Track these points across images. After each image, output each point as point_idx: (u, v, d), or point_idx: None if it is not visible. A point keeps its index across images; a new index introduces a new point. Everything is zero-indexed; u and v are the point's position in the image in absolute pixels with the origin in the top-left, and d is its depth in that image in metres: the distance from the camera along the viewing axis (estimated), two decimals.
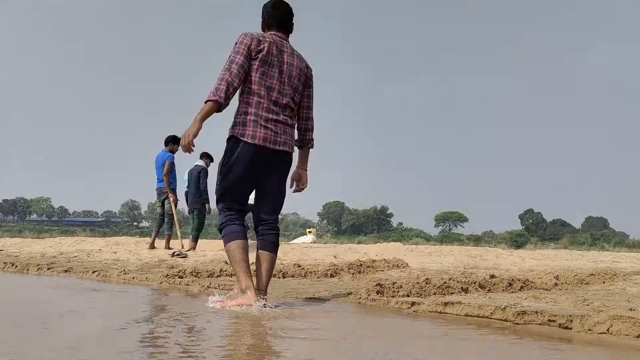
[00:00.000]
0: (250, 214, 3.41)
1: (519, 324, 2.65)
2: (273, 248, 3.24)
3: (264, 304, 3.00)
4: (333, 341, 2.24)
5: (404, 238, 45.82)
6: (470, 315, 2.85)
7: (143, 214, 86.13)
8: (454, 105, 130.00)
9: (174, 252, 7.12)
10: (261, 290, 3.19)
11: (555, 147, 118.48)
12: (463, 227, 73.25)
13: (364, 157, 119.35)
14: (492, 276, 4.20)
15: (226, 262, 5.49)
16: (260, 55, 3.01)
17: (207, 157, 8.99)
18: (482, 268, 6.27)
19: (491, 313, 2.77)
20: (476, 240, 52.58)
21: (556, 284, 4.35)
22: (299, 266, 5.35)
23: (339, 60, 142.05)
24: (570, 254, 9.32)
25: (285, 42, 3.20)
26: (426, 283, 3.66)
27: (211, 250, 7.91)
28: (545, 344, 2.31)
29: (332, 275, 5.02)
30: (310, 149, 3.38)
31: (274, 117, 3.04)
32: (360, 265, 5.57)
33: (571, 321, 2.52)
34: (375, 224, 74.92)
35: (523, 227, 69.39)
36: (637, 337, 2.27)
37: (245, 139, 2.99)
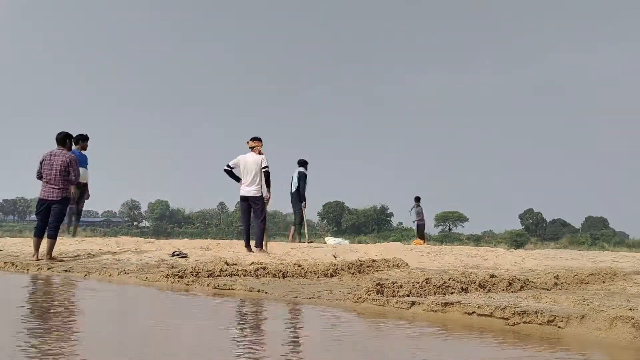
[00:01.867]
0: None
1: (518, 323, 2.65)
2: None
3: None
4: None
5: (404, 238, 45.73)
6: (469, 314, 2.85)
7: (143, 213, 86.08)
8: (454, 105, 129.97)
9: (174, 252, 7.12)
10: None
11: (556, 147, 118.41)
12: (463, 227, 73.07)
13: (364, 157, 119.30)
14: (492, 276, 4.20)
15: (226, 262, 5.49)
16: None
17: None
18: (482, 268, 6.27)
19: (491, 313, 2.78)
20: (476, 240, 52.51)
21: (556, 284, 4.35)
22: (299, 266, 5.35)
23: (337, 59, 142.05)
24: (570, 253, 9.31)
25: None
26: (426, 283, 3.66)
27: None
28: (546, 344, 2.31)
29: (332, 275, 5.02)
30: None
31: None
32: (360, 265, 5.56)
33: (571, 321, 2.52)
34: (375, 223, 74.83)
35: (523, 227, 69.27)
36: (637, 337, 2.27)
37: None
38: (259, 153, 7.76)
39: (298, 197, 10.87)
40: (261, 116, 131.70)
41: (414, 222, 15.87)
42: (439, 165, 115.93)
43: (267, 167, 7.64)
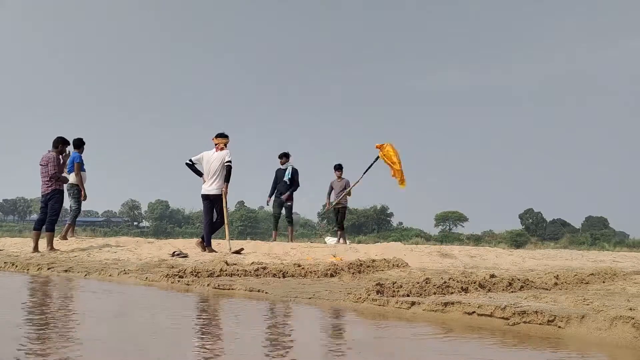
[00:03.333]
0: None
1: (518, 323, 2.65)
2: None
3: None
4: None
5: (404, 237, 45.69)
6: (470, 314, 2.85)
7: (143, 213, 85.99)
8: (453, 105, 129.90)
9: (174, 252, 7.11)
10: None
11: (556, 147, 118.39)
12: (463, 226, 73.03)
13: (364, 157, 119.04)
14: (492, 276, 4.20)
15: (226, 262, 5.49)
16: None
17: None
18: (482, 268, 6.26)
19: (491, 313, 2.77)
20: (476, 239, 52.46)
21: (556, 284, 4.35)
22: (299, 266, 5.35)
23: (338, 59, 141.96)
24: (570, 253, 9.31)
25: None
26: (426, 283, 3.66)
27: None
28: (546, 344, 2.31)
29: (332, 275, 5.02)
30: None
31: None
32: (360, 265, 5.56)
33: (571, 321, 2.52)
34: (375, 223, 74.83)
35: (523, 227, 69.20)
36: (637, 337, 2.27)
37: None
38: (222, 149, 7.57)
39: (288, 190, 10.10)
40: (261, 116, 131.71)
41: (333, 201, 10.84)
42: (439, 165, 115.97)
43: (230, 161, 7.46)
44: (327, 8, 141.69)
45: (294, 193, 10.17)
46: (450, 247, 9.37)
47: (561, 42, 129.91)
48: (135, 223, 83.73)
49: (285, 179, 10.03)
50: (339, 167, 10.83)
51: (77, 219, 9.67)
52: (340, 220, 10.85)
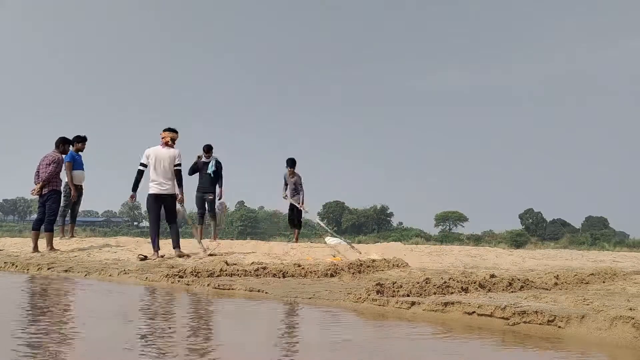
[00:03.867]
0: None
1: (518, 323, 2.65)
2: None
3: None
4: None
5: (404, 237, 45.72)
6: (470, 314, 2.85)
7: (143, 213, 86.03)
8: (453, 105, 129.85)
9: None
10: None
11: (556, 147, 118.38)
12: (463, 226, 73.10)
13: (364, 157, 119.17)
14: (492, 276, 4.20)
15: (227, 263, 5.49)
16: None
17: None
18: (482, 268, 6.26)
19: (491, 313, 2.77)
20: (476, 239, 52.46)
21: (556, 284, 4.35)
22: (299, 266, 5.35)
23: (338, 60, 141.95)
24: (570, 253, 9.30)
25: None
26: (426, 283, 3.66)
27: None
28: (546, 344, 2.31)
29: (332, 275, 5.02)
30: None
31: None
32: (360, 265, 5.57)
33: (571, 321, 2.52)
34: (375, 223, 74.91)
35: (523, 227, 69.25)
36: (637, 337, 2.27)
37: None
38: (171, 146, 6.90)
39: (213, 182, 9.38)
40: (261, 116, 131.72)
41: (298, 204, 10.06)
42: (439, 165, 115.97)
43: (179, 164, 6.84)
44: (327, 8, 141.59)
45: (221, 187, 9.57)
46: (450, 247, 9.36)
47: (561, 42, 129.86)
48: (135, 223, 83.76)
49: (209, 171, 9.42)
50: (290, 164, 9.83)
51: (67, 219, 9.60)
52: (296, 217, 10.21)
